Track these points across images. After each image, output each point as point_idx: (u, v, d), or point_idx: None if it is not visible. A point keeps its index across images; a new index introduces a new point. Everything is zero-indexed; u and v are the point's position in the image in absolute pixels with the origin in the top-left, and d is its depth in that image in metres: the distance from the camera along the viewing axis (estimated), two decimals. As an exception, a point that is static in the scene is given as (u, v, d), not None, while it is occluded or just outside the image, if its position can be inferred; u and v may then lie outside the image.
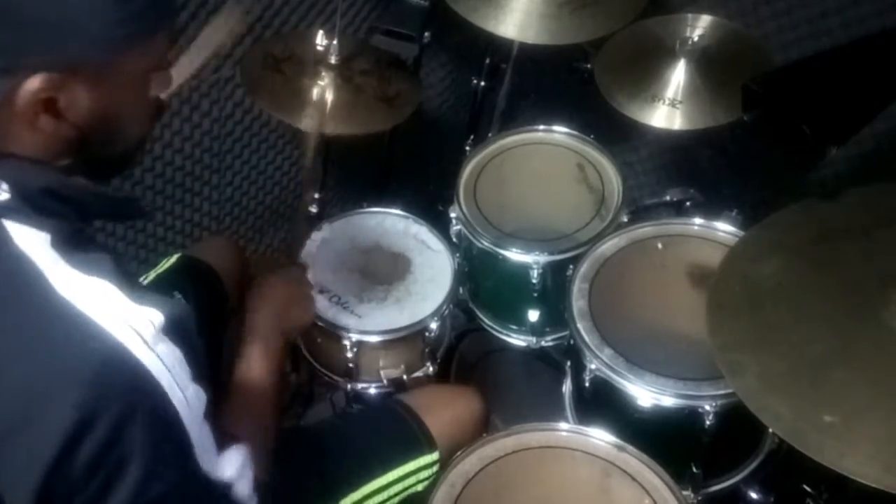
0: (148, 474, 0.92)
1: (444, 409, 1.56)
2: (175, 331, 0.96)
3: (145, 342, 0.92)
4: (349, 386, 1.74)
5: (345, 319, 1.70)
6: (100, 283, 0.93)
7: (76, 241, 0.96)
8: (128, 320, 0.92)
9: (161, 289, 1.57)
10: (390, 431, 1.51)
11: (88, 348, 0.90)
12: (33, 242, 0.93)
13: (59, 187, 0.97)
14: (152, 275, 1.67)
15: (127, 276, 0.99)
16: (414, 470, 1.47)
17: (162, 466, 0.94)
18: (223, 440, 1.06)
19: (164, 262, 1.71)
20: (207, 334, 1.39)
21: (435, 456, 1.49)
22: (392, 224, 1.89)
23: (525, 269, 1.72)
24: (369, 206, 1.92)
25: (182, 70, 1.14)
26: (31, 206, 0.94)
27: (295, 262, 1.73)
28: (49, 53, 0.91)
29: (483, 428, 1.60)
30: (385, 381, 1.73)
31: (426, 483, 1.48)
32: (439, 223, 1.88)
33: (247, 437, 1.14)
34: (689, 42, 1.76)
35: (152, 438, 0.92)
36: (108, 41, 0.94)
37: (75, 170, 1.01)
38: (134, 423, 0.90)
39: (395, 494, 1.46)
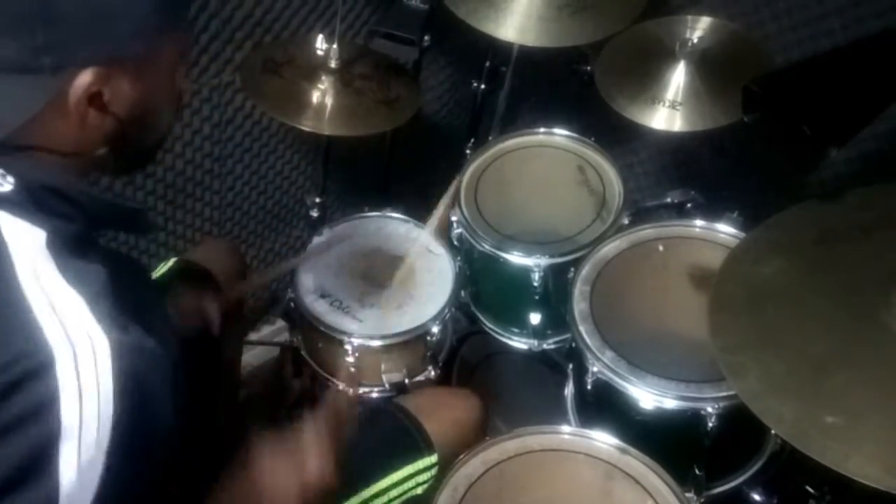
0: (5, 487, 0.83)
1: (443, 412, 1.56)
2: (131, 386, 0.86)
3: (75, 366, 0.85)
4: (351, 390, 1.74)
5: (346, 324, 1.70)
6: (71, 295, 0.89)
7: (75, 246, 0.94)
8: (76, 342, 0.86)
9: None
10: (388, 435, 1.50)
11: (13, 345, 0.85)
12: (22, 236, 0.92)
13: (65, 187, 0.96)
14: None
15: (118, 294, 0.91)
16: (412, 473, 1.47)
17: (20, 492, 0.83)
18: None
19: (161, 266, 1.71)
20: (204, 340, 1.35)
21: (434, 459, 1.49)
22: (393, 228, 1.89)
23: (526, 271, 1.72)
24: (370, 211, 1.93)
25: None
26: (34, 201, 0.93)
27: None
28: (95, 47, 0.93)
29: (482, 430, 1.60)
30: (387, 385, 1.73)
31: (425, 486, 1.48)
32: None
33: None
34: (690, 44, 1.76)
35: (16, 462, 0.83)
36: (148, 30, 0.97)
37: (108, 160, 1.01)
38: (12, 437, 0.83)
39: (394, 498, 1.46)
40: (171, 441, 0.93)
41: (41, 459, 0.83)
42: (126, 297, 0.93)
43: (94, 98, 0.94)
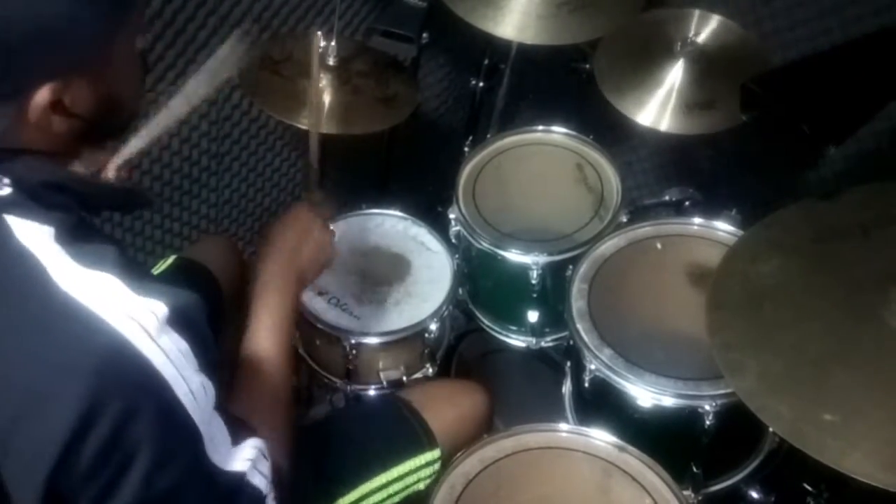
0: (155, 467, 0.91)
1: (447, 406, 1.56)
2: (180, 321, 0.95)
3: (148, 335, 0.92)
4: (349, 388, 1.74)
5: (344, 321, 1.69)
6: (102, 277, 0.93)
7: (80, 233, 0.97)
8: (130, 313, 0.92)
9: None
10: (391, 429, 1.50)
11: (91, 342, 0.90)
12: (36, 237, 0.94)
13: (60, 180, 0.98)
14: None
15: (132, 267, 0.98)
16: (415, 468, 1.47)
17: (169, 458, 0.93)
18: (237, 431, 1.05)
19: (160, 264, 1.71)
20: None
21: (436, 453, 1.48)
22: (391, 225, 1.89)
23: (524, 269, 1.72)
24: (368, 208, 1.92)
25: (184, 101, 1.17)
26: (34, 199, 0.95)
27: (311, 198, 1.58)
28: (48, 65, 0.93)
29: (488, 423, 1.60)
30: (385, 383, 1.72)
31: (427, 481, 1.48)
32: (438, 224, 1.88)
33: (261, 419, 1.13)
34: (689, 42, 1.76)
35: (158, 431, 0.92)
36: (98, 34, 0.97)
37: (88, 150, 1.03)
38: (138, 416, 0.90)
39: (396, 493, 1.46)
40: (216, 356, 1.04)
41: (173, 419, 0.94)
42: (134, 265, 1.00)
43: (55, 106, 0.95)
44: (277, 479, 1.10)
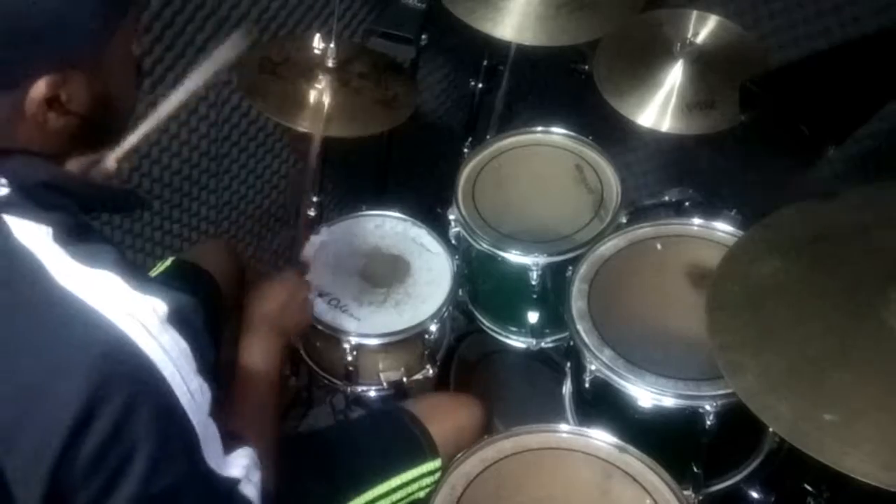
0: (153, 467, 0.91)
1: (447, 417, 1.56)
2: (180, 321, 0.95)
3: (149, 332, 0.91)
4: (349, 389, 1.74)
5: (344, 322, 1.70)
6: (103, 274, 0.93)
7: (78, 233, 0.97)
8: (131, 310, 0.92)
9: None
10: (393, 438, 1.51)
11: (91, 338, 0.89)
12: (34, 236, 0.93)
13: (58, 180, 0.98)
14: None
15: (131, 268, 0.98)
16: (416, 477, 1.47)
17: (168, 459, 0.93)
18: (229, 442, 1.06)
19: (158, 265, 1.71)
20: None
21: (437, 463, 1.49)
22: (391, 227, 1.89)
23: (524, 270, 1.72)
24: (368, 209, 1.92)
25: (184, 90, 1.17)
26: (32, 200, 0.95)
27: (294, 264, 1.69)
28: (44, 59, 0.93)
29: (484, 436, 1.60)
30: (385, 384, 1.73)
31: (428, 490, 1.48)
32: (438, 225, 1.88)
33: (252, 440, 1.14)
34: (688, 43, 1.76)
35: (157, 430, 0.91)
36: (95, 30, 0.96)
37: (82, 153, 1.03)
38: (138, 413, 0.90)
39: (399, 500, 1.46)
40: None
41: (171, 417, 0.93)
42: (133, 267, 0.99)
43: (52, 102, 0.94)
44: (266, 491, 1.10)
